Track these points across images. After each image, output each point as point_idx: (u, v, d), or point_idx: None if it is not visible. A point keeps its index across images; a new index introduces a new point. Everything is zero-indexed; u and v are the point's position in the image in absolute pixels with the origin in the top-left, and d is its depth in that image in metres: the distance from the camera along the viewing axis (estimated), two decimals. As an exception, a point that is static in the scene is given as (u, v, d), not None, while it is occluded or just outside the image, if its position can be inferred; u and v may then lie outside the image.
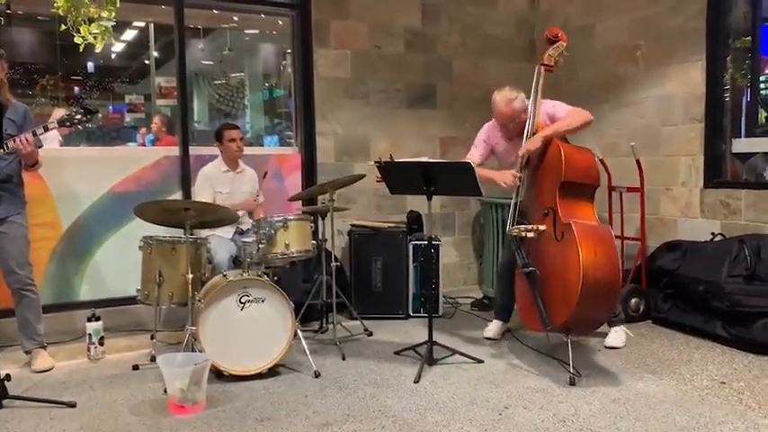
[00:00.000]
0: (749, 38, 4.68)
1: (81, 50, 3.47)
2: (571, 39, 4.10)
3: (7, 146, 3.46)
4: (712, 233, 4.56)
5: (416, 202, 5.39)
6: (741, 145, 4.72)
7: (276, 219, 3.83)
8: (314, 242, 4.00)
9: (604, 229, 3.58)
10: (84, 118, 3.54)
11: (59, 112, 4.93)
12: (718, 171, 4.75)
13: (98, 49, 3.47)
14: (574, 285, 3.30)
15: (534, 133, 3.77)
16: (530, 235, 3.61)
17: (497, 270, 4.45)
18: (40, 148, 3.65)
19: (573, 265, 3.32)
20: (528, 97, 3.92)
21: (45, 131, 3.51)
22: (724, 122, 4.75)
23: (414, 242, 4.95)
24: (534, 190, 3.80)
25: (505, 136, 4.06)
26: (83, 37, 3.33)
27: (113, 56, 7.19)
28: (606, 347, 4.03)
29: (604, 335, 4.11)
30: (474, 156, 4.15)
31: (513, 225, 3.77)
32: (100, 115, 6.77)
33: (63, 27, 3.30)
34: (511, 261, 4.03)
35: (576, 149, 3.70)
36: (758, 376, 3.50)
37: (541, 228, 3.60)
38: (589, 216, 3.60)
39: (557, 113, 3.84)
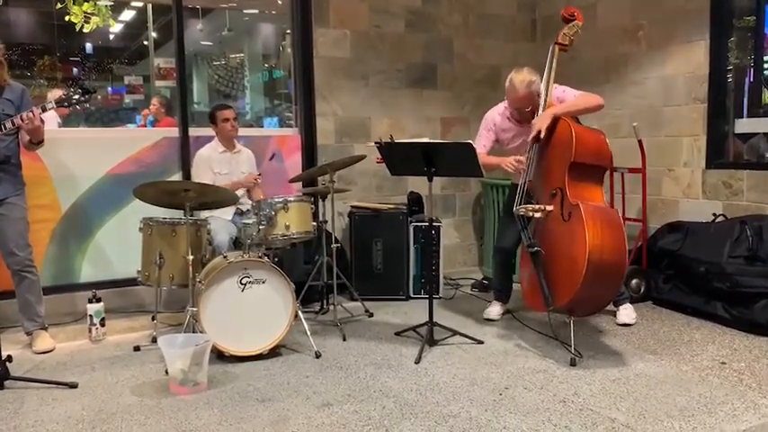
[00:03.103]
0: (753, 17, 4.63)
1: (77, 30, 3.45)
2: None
3: (5, 126, 3.44)
4: (714, 214, 4.55)
5: (417, 184, 5.38)
6: (744, 125, 4.69)
7: (276, 200, 3.82)
8: (314, 223, 3.99)
9: (612, 212, 3.55)
10: (83, 98, 3.53)
11: (56, 93, 4.90)
12: (720, 152, 4.73)
13: (87, 29, 3.45)
14: (579, 266, 3.28)
15: None
16: (537, 215, 3.59)
17: (492, 252, 4.42)
18: None
19: (579, 247, 3.30)
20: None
21: (43, 112, 3.50)
22: (727, 103, 4.71)
23: (414, 223, 4.95)
24: (542, 170, 3.73)
25: (517, 120, 3.98)
26: (77, 15, 3.30)
27: (111, 37, 7.12)
28: (618, 325, 4.07)
29: (606, 315, 4.13)
30: (478, 147, 4.07)
31: (519, 205, 3.71)
32: (99, 97, 6.73)
33: (59, 6, 3.28)
34: (507, 243, 4.01)
35: (588, 130, 3.64)
36: (758, 357, 3.50)
37: (549, 208, 3.58)
38: (597, 198, 3.56)
39: (566, 99, 3.78)
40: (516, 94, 3.84)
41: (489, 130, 4.10)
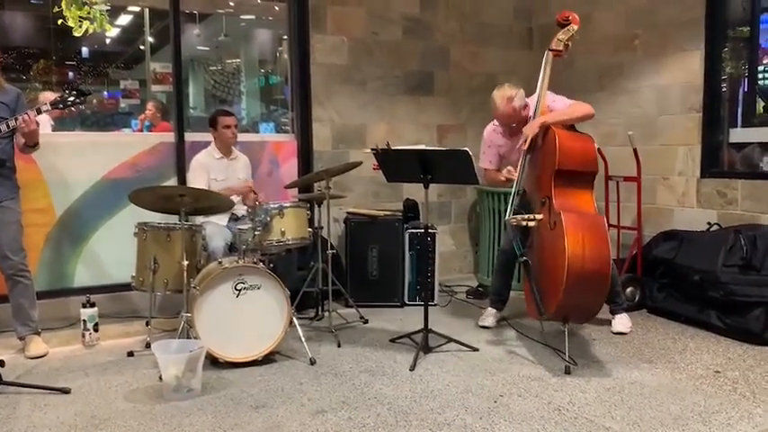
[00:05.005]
0: (747, 28, 4.66)
1: (73, 34, 3.44)
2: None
3: (0, 129, 3.43)
4: (708, 223, 4.56)
5: (413, 190, 5.38)
6: (738, 135, 4.71)
7: (272, 206, 3.81)
8: (310, 230, 3.99)
9: (597, 219, 3.51)
10: (77, 99, 3.53)
11: (49, 95, 4.89)
12: (715, 161, 4.74)
13: (78, 34, 3.44)
14: (561, 274, 3.29)
15: None
16: (530, 224, 3.59)
17: (496, 258, 4.44)
18: None
19: (561, 255, 3.31)
20: (528, 93, 3.88)
21: (38, 114, 3.49)
22: (721, 112, 4.73)
23: (410, 230, 4.94)
24: (535, 178, 3.76)
25: (507, 134, 4.01)
26: (73, 20, 3.30)
27: (108, 41, 7.12)
28: (613, 333, 4.07)
29: (601, 323, 4.13)
30: (485, 163, 4.14)
31: (511, 214, 3.72)
32: (95, 101, 6.72)
33: (56, 9, 3.28)
34: (509, 250, 4.02)
35: (575, 136, 3.65)
36: (752, 366, 3.51)
37: (538, 217, 3.58)
38: (585, 204, 3.55)
39: (557, 107, 3.79)
40: (497, 111, 3.90)
41: (489, 146, 4.15)
